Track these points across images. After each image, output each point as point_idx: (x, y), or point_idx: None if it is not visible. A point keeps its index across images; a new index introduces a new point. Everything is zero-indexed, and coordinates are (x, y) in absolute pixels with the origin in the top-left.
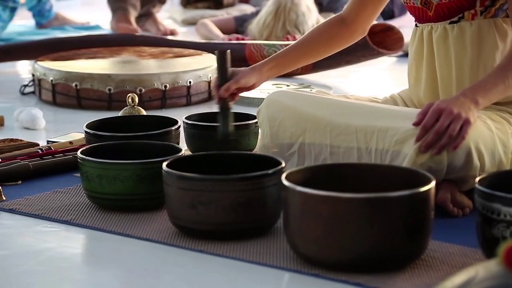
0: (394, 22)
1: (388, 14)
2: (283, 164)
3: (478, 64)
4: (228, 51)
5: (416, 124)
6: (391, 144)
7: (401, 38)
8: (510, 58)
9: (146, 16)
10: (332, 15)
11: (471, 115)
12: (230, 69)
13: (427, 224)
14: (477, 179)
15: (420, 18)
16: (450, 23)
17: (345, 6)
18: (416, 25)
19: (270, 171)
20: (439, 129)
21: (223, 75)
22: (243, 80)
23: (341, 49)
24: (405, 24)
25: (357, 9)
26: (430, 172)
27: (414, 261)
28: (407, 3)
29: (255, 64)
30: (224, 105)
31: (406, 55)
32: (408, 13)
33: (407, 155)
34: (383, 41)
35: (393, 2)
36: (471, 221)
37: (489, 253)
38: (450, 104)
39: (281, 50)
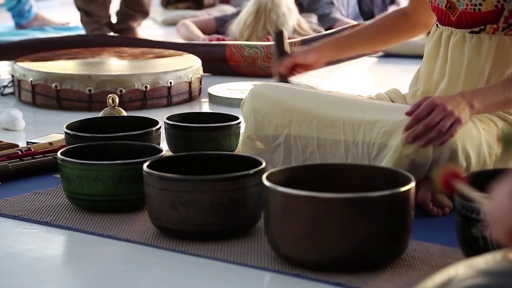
0: None
1: (368, 14)
2: (264, 165)
3: (487, 78)
4: (285, 31)
5: (408, 113)
6: (379, 135)
7: None
8: None
9: (126, 31)
10: (313, 16)
11: (463, 116)
12: (289, 48)
13: (407, 224)
14: None
15: (442, 20)
16: (471, 32)
17: None
18: (437, 25)
19: (251, 172)
20: (430, 122)
21: (280, 53)
22: (300, 57)
23: (402, 41)
24: None
25: (417, 1)
26: (414, 166)
27: (394, 261)
28: (431, 2)
29: (315, 44)
30: (283, 81)
31: (386, 55)
32: None
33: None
34: None
35: (373, 2)
36: (451, 220)
37: (469, 253)
38: (445, 101)
39: (341, 34)
